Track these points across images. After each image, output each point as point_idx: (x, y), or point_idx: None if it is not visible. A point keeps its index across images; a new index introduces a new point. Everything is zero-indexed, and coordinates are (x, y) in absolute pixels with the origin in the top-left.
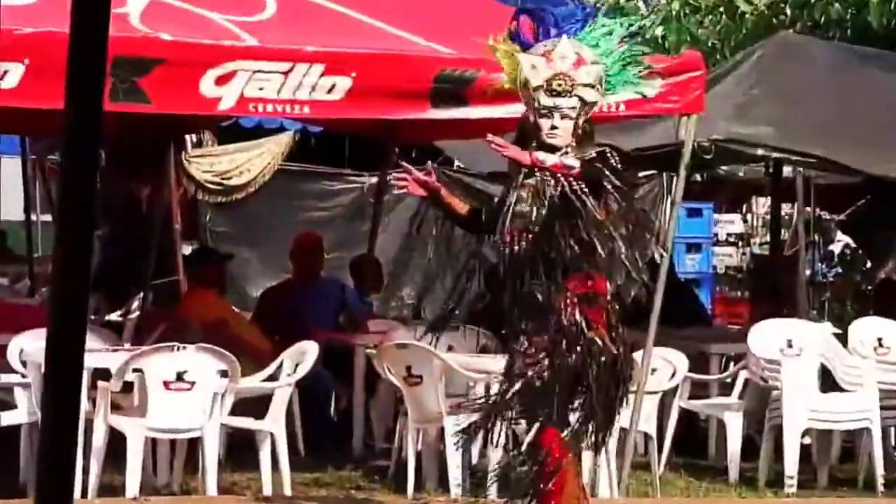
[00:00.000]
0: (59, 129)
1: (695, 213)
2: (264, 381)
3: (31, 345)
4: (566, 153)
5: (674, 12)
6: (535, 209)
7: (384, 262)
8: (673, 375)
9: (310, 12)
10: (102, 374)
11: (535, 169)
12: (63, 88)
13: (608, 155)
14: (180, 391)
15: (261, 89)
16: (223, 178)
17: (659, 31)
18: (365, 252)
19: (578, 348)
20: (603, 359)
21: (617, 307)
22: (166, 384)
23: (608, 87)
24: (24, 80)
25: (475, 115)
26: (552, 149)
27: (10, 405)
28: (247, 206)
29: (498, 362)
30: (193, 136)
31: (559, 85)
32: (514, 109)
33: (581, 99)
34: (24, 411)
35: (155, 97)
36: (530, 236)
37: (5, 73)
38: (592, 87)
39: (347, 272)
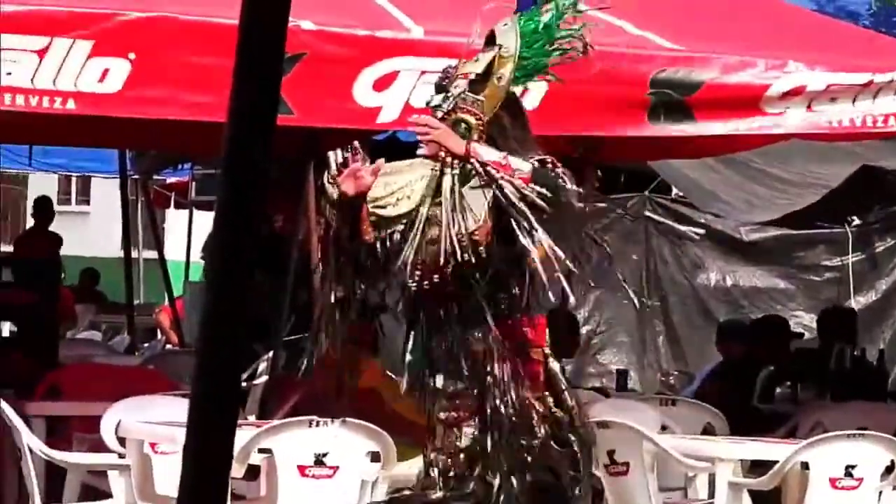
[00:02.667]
0: (167, 144)
1: None
2: None
3: (130, 417)
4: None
5: None
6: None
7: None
8: None
9: None
10: None
11: (470, 165)
12: (175, 91)
13: (550, 165)
14: (320, 478)
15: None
16: (376, 207)
17: None
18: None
19: (510, 417)
20: (544, 431)
21: (556, 364)
22: (302, 469)
23: (525, 73)
24: (130, 81)
25: (702, 130)
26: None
27: (103, 493)
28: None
29: (725, 447)
30: (339, 152)
31: (442, 80)
32: (755, 125)
33: (456, 91)
34: (121, 502)
35: (297, 105)
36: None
37: (106, 71)
38: (484, 75)
39: None
